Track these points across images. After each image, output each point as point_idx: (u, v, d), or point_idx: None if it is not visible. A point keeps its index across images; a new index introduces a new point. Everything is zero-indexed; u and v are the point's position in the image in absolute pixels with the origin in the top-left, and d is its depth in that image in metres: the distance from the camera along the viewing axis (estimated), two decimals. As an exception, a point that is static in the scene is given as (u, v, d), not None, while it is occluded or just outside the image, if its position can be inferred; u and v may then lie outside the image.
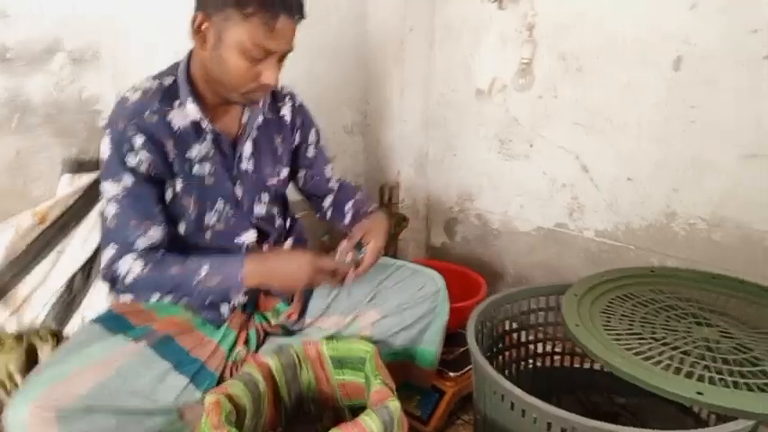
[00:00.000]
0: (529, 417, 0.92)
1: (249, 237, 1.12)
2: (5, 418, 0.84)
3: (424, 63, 1.85)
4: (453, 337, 1.22)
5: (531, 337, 1.35)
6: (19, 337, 1.10)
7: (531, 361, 1.37)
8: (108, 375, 0.92)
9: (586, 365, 1.37)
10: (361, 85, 1.86)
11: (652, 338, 1.04)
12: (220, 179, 1.07)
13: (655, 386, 0.89)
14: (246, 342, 1.13)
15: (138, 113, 0.98)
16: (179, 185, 1.03)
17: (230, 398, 0.98)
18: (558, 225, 1.67)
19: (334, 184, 1.30)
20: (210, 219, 1.08)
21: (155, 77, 1.03)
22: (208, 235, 1.09)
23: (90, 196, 1.22)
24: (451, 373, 1.35)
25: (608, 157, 1.52)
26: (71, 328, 1.16)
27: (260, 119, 1.11)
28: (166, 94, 1.01)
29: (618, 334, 1.06)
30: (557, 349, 1.38)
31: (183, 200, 1.04)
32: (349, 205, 1.26)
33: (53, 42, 1.17)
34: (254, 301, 1.17)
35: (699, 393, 0.87)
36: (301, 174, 1.24)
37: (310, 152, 1.23)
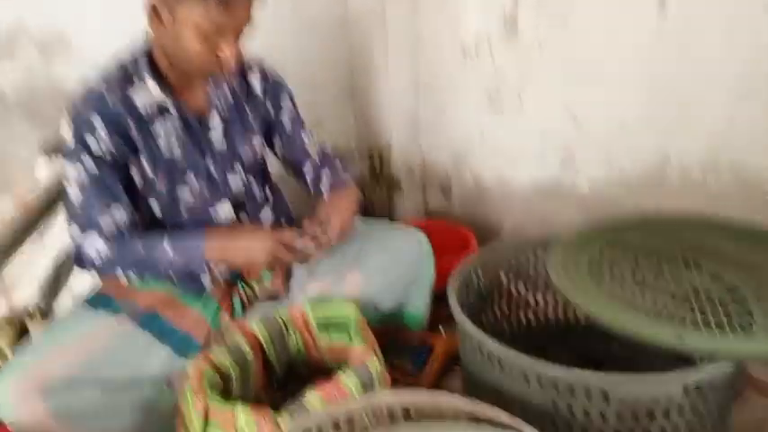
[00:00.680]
0: (507, 369, 0.91)
1: (224, 209, 1.12)
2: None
3: (409, 24, 1.80)
4: (443, 295, 1.21)
5: (523, 290, 1.33)
6: (11, 318, 1.13)
7: (524, 313, 1.36)
8: (92, 350, 0.94)
9: (581, 316, 1.35)
10: (346, 50, 1.83)
11: (638, 284, 1.02)
12: (189, 154, 1.07)
13: (634, 331, 0.87)
14: (231, 311, 1.14)
15: (98, 96, 0.98)
16: (146, 164, 1.03)
17: (214, 366, 1.00)
18: (552, 179, 1.64)
19: (313, 152, 1.28)
20: (183, 194, 1.08)
21: (117, 58, 1.03)
22: (183, 211, 1.09)
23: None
24: (442, 330, 1.35)
25: (599, 105, 1.46)
26: (60, 306, 1.18)
27: (227, 91, 1.09)
28: (128, 74, 1.01)
29: (602, 281, 1.04)
30: (550, 302, 1.36)
31: (152, 177, 1.04)
32: (326, 179, 1.24)
33: (18, 29, 1.17)
34: (238, 269, 1.17)
35: (679, 337, 0.85)
36: (277, 141, 1.23)
37: (284, 117, 1.21)
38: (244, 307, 1.16)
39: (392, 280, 1.16)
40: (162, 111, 1.02)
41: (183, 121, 1.05)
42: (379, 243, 1.18)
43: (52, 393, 0.88)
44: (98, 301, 1.04)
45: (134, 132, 1.01)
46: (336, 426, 0.85)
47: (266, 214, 1.21)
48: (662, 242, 1.15)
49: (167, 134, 1.04)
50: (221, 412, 0.87)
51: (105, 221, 1.00)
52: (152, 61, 1.01)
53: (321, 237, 1.06)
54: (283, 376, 1.15)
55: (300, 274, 1.17)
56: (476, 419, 0.80)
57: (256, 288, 1.18)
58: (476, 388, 1.02)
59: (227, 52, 0.95)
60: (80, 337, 0.95)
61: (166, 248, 0.99)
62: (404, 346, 1.28)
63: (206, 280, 1.11)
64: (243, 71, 1.14)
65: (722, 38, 1.22)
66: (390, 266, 1.15)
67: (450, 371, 1.35)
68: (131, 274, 1.03)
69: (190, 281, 1.10)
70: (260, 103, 1.16)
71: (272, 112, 1.19)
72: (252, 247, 1.01)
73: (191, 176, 1.07)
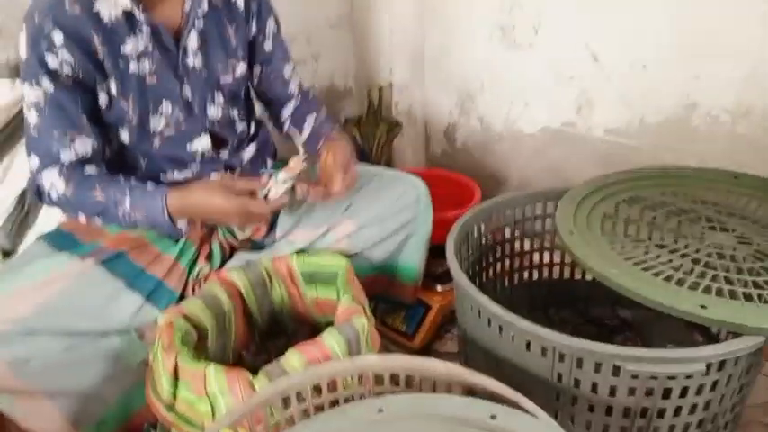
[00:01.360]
0: (506, 334, 0.83)
1: (203, 143, 1.01)
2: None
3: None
4: (442, 249, 1.12)
5: (528, 247, 1.24)
6: (-29, 257, 1.04)
7: (528, 272, 1.27)
8: (50, 295, 0.86)
9: (589, 276, 1.26)
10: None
11: (657, 246, 0.92)
12: (164, 78, 0.94)
13: (652, 299, 0.78)
14: (210, 258, 1.04)
15: (57, 4, 0.85)
16: (114, 87, 0.91)
17: (188, 318, 0.92)
18: (566, 124, 1.51)
19: (294, 90, 1.15)
20: (157, 123, 0.96)
21: None
22: (156, 142, 0.98)
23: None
24: (439, 287, 1.27)
25: (620, 42, 1.33)
26: (25, 247, 1.09)
27: (205, 5, 0.96)
28: None
29: (618, 242, 0.94)
30: (557, 260, 1.27)
31: (121, 103, 0.92)
32: (310, 119, 1.12)
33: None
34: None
35: (702, 307, 0.76)
36: (257, 71, 1.09)
37: (267, 45, 1.07)
38: (224, 255, 1.07)
39: (386, 230, 1.06)
40: (131, 25, 0.89)
41: (156, 38, 0.92)
42: (374, 190, 1.07)
43: (7, 342, 0.81)
44: (62, 240, 0.94)
45: (100, 50, 0.88)
46: (317, 390, 0.78)
47: (249, 152, 1.10)
48: (683, 200, 1.05)
49: (139, 54, 0.91)
50: (192, 371, 0.79)
51: (65, 154, 0.89)
52: None
53: (322, 190, 0.96)
54: (266, 331, 1.07)
55: (286, 220, 1.07)
56: (471, 392, 0.72)
57: (238, 234, 1.08)
58: (473, 352, 0.94)
59: None
60: (39, 281, 0.86)
61: (126, 202, 0.89)
62: (396, 304, 1.19)
63: (182, 222, 1.01)
64: None
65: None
66: (385, 216, 1.06)
67: (447, 332, 1.28)
68: (84, 217, 0.93)
69: (164, 224, 0.99)
70: (242, 24, 1.02)
71: (256, 35, 1.05)
72: (218, 206, 0.88)
73: (166, 105, 0.96)
